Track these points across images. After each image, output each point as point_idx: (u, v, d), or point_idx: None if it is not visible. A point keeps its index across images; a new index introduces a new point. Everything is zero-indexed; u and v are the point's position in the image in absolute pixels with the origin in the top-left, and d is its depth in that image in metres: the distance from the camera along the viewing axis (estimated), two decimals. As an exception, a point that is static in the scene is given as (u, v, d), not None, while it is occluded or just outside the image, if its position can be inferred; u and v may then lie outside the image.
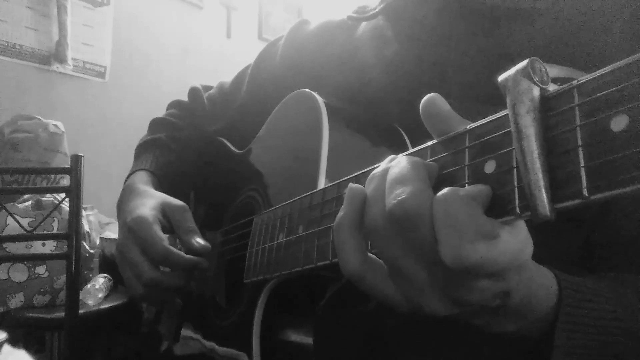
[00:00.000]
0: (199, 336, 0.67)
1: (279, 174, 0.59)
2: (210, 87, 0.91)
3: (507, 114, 0.27)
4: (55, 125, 1.80)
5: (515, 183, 0.27)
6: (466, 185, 0.29)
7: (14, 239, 1.25)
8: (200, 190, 0.85)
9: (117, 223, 0.86)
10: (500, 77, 0.27)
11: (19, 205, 1.43)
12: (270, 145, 0.65)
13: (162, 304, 0.77)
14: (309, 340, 0.50)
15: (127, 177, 0.77)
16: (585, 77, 0.24)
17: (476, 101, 0.51)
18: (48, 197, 1.45)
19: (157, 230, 0.60)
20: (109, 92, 2.27)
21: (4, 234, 1.35)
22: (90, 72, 2.22)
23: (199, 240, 0.61)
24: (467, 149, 0.30)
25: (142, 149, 0.84)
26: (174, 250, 0.59)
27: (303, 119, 0.56)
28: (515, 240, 0.27)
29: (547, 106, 0.26)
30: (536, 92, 0.26)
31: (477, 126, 0.30)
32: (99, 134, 2.16)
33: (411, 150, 0.34)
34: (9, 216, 1.18)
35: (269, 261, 0.49)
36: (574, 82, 0.25)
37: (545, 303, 0.36)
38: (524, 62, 0.26)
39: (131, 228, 0.61)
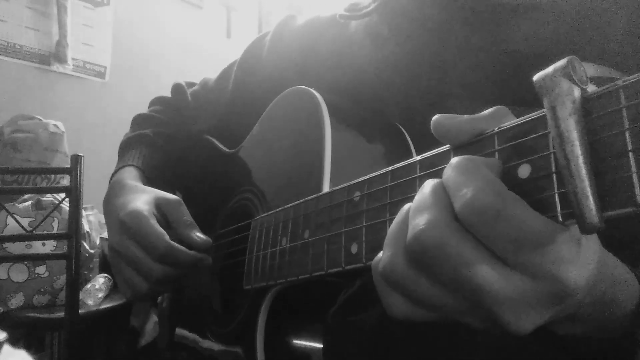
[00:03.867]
0: (195, 339, 0.65)
1: (276, 175, 0.57)
2: (194, 84, 0.88)
3: (542, 116, 0.26)
4: (55, 125, 1.80)
5: (556, 189, 0.25)
6: None
7: (14, 239, 1.25)
8: (188, 191, 0.81)
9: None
10: (536, 77, 0.25)
11: (19, 205, 1.43)
12: (266, 144, 0.62)
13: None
14: (316, 347, 0.48)
15: (113, 175, 0.73)
16: (633, 77, 0.23)
17: (480, 101, 0.49)
18: (48, 197, 1.45)
19: (155, 224, 0.57)
20: (109, 92, 2.27)
21: (4, 234, 1.35)
22: (90, 72, 2.22)
23: (200, 235, 0.58)
24: (496, 152, 0.28)
25: (128, 145, 0.80)
26: (177, 245, 0.56)
27: (302, 117, 0.54)
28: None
29: (588, 108, 0.24)
30: (577, 93, 0.24)
31: (507, 128, 0.28)
32: (99, 134, 2.16)
33: (432, 153, 0.32)
34: (9, 216, 1.18)
35: (272, 267, 0.47)
36: (619, 83, 0.23)
37: (625, 304, 0.33)
38: (563, 61, 0.24)
39: (125, 223, 0.57)
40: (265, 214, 0.51)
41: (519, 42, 0.51)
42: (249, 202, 0.61)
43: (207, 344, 0.63)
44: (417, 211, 0.27)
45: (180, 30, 2.58)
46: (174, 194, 0.64)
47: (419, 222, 0.26)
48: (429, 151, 0.33)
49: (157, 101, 0.90)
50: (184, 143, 0.83)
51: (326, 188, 0.46)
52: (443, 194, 0.27)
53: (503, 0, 0.52)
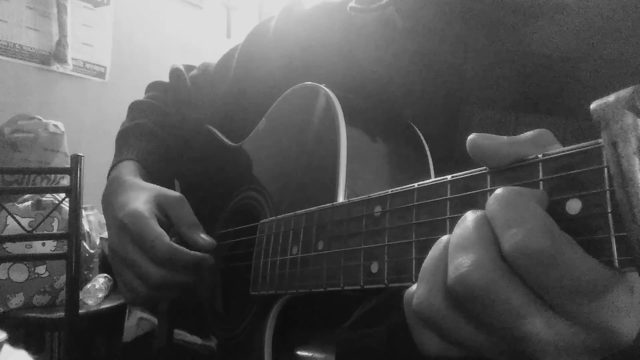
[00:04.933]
0: (195, 340, 0.65)
1: (286, 175, 0.54)
2: (193, 67, 0.84)
3: (596, 147, 0.23)
4: (55, 125, 1.80)
5: (612, 231, 0.22)
6: None
7: (14, 239, 1.25)
8: (188, 185, 0.77)
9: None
10: (594, 105, 0.22)
11: (19, 205, 1.43)
12: (274, 141, 0.59)
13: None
14: None
15: (111, 169, 0.70)
16: None
17: (499, 107, 0.47)
18: (48, 197, 1.45)
19: (156, 225, 0.54)
20: (109, 92, 2.27)
21: (4, 234, 1.35)
22: (90, 72, 2.22)
23: (204, 237, 0.56)
24: (541, 182, 0.25)
25: (126, 136, 0.76)
26: (179, 247, 0.54)
27: (315, 117, 0.51)
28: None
29: None
30: None
31: (554, 156, 0.25)
32: (99, 134, 2.16)
33: (465, 174, 0.29)
34: (9, 216, 1.18)
35: (282, 276, 0.44)
36: None
37: None
38: (628, 91, 0.21)
39: (124, 224, 0.55)
40: (274, 217, 0.49)
41: (541, 46, 0.48)
42: (254, 201, 0.59)
43: (208, 344, 0.62)
44: (461, 248, 0.25)
45: (180, 31, 2.58)
46: (174, 184, 0.62)
47: (463, 262, 0.24)
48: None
49: (155, 86, 0.86)
50: (184, 132, 0.80)
51: (341, 193, 0.43)
52: (488, 230, 0.25)
53: (524, 3, 0.49)
